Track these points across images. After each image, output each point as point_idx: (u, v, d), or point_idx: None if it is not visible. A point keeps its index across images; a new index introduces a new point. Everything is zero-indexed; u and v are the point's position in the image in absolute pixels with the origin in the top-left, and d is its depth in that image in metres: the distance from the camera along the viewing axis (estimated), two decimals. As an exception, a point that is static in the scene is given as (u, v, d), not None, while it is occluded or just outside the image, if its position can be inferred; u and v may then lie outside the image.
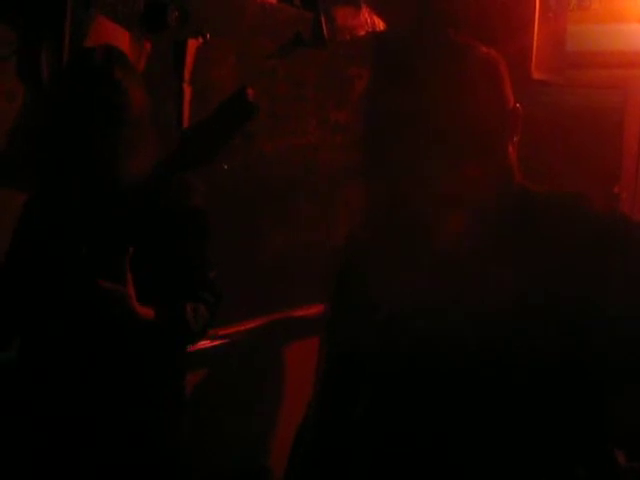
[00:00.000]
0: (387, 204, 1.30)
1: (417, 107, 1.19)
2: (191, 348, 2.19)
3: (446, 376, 1.21)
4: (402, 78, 1.23)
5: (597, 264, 1.16)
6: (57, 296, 1.88)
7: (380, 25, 2.99)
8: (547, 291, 1.16)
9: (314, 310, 2.97)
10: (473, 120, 1.20)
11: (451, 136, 1.19)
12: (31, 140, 2.06)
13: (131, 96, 1.85)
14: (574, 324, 1.15)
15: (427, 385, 1.23)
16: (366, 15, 2.95)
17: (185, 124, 2.49)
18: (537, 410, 1.18)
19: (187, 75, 2.51)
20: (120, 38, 2.29)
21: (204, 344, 2.67)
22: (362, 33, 2.94)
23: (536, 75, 3.29)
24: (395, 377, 1.28)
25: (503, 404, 1.18)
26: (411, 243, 1.27)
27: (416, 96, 1.20)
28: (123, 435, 1.94)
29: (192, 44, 2.52)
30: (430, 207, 1.21)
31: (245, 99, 1.90)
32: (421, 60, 1.22)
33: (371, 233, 1.39)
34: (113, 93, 1.82)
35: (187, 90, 2.51)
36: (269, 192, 2.95)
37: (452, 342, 1.20)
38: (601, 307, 1.14)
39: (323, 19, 2.61)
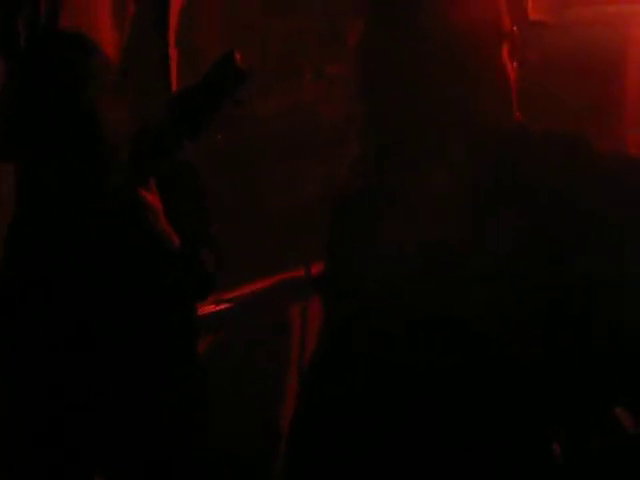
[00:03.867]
0: (383, 148, 1.27)
1: (412, 43, 1.18)
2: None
3: (441, 335, 1.18)
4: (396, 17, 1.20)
5: (598, 207, 1.12)
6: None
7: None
8: (546, 236, 1.13)
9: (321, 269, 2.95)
10: (469, 48, 1.17)
11: (447, 66, 1.17)
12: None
13: (94, 84, 1.83)
14: (574, 271, 1.12)
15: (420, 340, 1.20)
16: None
17: (173, 88, 2.45)
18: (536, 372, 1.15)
19: (172, 37, 2.45)
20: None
21: (208, 309, 2.66)
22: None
23: (533, 16, 3.21)
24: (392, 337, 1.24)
25: (498, 363, 1.15)
26: (407, 186, 1.23)
27: (411, 33, 1.18)
28: (140, 396, 1.95)
29: (176, 2, 2.45)
30: (429, 139, 1.19)
31: (233, 65, 1.75)
32: None
33: (366, 182, 1.36)
34: (73, 82, 1.80)
35: (173, 53, 2.46)
36: (268, 151, 2.92)
37: (446, 294, 1.17)
38: (603, 257, 1.11)
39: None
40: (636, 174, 1.17)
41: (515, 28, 1.23)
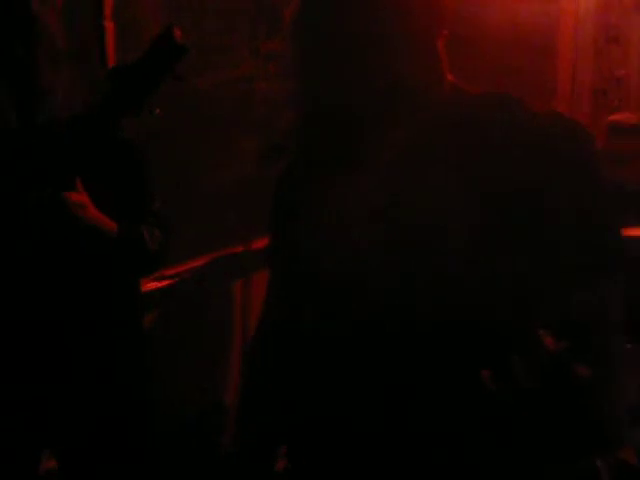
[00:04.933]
0: (319, 118, 1.26)
1: (341, 11, 1.16)
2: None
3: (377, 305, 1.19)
4: None
5: (534, 166, 1.13)
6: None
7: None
8: (482, 196, 1.13)
9: (260, 244, 2.96)
10: (399, 16, 1.16)
11: (378, 33, 1.16)
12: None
13: (45, 27, 1.79)
14: (509, 231, 1.12)
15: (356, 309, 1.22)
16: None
17: (110, 62, 2.41)
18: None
19: (108, 10, 2.41)
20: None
21: (151, 286, 2.65)
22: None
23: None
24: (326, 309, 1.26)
25: (430, 320, 1.16)
26: (343, 153, 1.23)
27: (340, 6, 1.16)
28: (87, 370, 1.94)
29: (111, -24, 2.42)
30: (362, 109, 1.18)
31: (172, 40, 1.72)
32: None
33: (303, 152, 1.36)
34: (27, 23, 1.75)
35: (109, 26, 2.42)
36: (206, 127, 2.90)
37: (380, 258, 1.18)
38: (536, 211, 1.12)
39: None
40: (560, 129, 1.18)
41: None
